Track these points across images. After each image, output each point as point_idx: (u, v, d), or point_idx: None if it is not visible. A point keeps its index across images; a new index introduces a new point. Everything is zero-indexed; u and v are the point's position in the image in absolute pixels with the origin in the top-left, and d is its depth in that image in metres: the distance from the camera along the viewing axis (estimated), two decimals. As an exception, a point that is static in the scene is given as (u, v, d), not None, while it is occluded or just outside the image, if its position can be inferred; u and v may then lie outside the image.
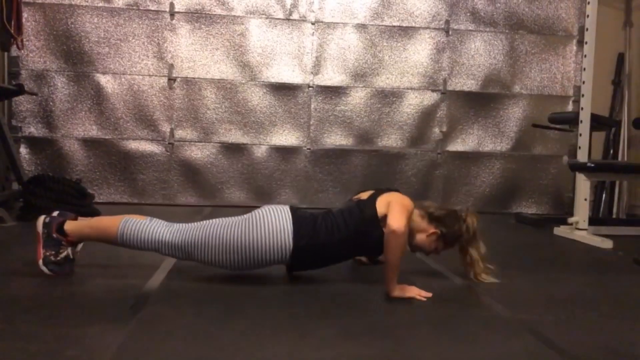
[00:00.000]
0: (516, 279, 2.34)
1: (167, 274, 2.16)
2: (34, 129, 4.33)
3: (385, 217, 1.98)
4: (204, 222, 2.03)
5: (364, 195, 2.15)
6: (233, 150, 4.50)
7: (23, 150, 4.31)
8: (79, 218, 2.12)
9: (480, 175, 4.73)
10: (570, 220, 3.54)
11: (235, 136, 4.50)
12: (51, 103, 4.33)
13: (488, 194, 4.73)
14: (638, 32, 4.78)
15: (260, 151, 4.53)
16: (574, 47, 4.75)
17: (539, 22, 4.72)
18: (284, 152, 4.55)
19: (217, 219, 2.04)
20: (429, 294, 1.95)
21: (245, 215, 2.03)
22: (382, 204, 2.04)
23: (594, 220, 3.65)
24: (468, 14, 4.65)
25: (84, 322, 1.59)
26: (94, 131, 4.37)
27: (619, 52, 4.79)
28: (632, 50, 4.78)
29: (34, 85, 4.29)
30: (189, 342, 1.46)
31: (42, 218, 2.07)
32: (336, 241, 2.02)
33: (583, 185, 3.54)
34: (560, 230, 3.65)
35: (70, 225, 2.05)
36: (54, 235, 2.03)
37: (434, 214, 2.13)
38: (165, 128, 4.43)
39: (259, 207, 2.07)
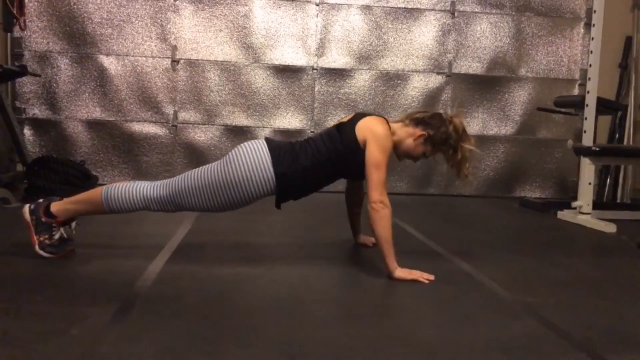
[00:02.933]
0: (519, 262, 2.34)
1: (171, 254, 2.17)
2: (37, 111, 4.33)
3: (364, 143, 1.97)
4: (187, 172, 2.06)
5: (345, 119, 2.13)
6: (237, 132, 4.50)
7: (27, 131, 4.32)
8: (63, 199, 2.12)
9: (485, 159, 4.72)
10: (574, 204, 3.53)
11: (239, 119, 4.49)
12: (54, 84, 4.32)
13: (492, 178, 4.71)
14: (646, 14, 4.72)
15: (264, 134, 4.52)
16: (581, 30, 4.70)
17: (546, 3, 4.66)
18: (288, 135, 4.54)
19: (199, 167, 2.06)
20: (432, 277, 1.95)
21: (221, 159, 2.05)
22: (361, 129, 2.01)
23: (598, 205, 3.65)
24: (474, -4, 4.60)
25: (88, 302, 1.60)
26: (97, 113, 4.37)
27: (627, 35, 4.74)
28: (640, 33, 4.73)
29: (37, 66, 4.28)
30: (192, 322, 1.47)
31: (26, 207, 2.09)
32: (317, 164, 2.02)
33: (587, 170, 3.52)
34: (564, 215, 3.65)
35: (56, 206, 2.08)
36: (43, 219, 2.05)
37: (419, 117, 2.10)
38: (169, 110, 4.43)
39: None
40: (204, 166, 2.06)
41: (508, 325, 1.58)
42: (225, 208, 2.03)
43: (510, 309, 1.73)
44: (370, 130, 2.00)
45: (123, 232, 2.63)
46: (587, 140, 3.53)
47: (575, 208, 3.53)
